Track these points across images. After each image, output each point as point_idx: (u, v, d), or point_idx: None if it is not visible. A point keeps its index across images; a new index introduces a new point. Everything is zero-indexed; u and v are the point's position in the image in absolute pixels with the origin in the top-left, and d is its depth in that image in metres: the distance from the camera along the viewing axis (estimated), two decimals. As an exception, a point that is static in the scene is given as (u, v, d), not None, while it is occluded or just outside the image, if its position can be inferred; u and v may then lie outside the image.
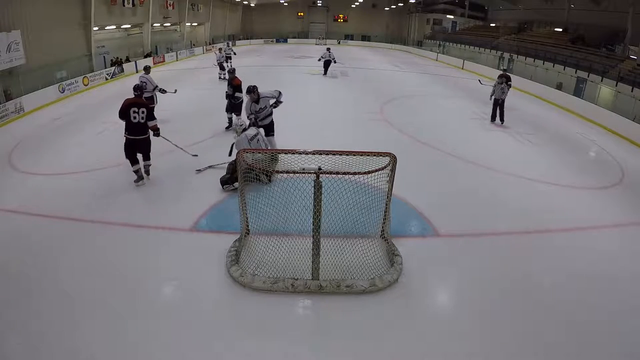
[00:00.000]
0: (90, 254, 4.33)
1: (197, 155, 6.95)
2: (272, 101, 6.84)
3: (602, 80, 14.19)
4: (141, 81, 8.44)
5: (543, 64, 18.22)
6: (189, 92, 13.69)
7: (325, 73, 17.54)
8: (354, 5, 40.11)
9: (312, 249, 3.76)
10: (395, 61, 25.62)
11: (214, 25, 32.27)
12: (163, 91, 9.31)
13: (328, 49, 18.11)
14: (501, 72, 11.24)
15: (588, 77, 14.84)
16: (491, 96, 10.33)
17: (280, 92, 6.92)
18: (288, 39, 39.50)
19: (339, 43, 37.09)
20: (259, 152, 4.96)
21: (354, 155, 4.09)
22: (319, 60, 17.64)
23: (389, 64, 24.16)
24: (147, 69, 9.39)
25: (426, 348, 3.23)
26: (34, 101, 11.41)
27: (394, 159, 3.78)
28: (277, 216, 4.19)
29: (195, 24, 29.38)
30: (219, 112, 10.75)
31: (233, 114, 8.89)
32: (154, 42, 22.16)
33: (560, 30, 24.36)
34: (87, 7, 15.60)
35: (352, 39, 39.87)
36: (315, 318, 3.59)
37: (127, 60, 19.24)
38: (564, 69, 16.69)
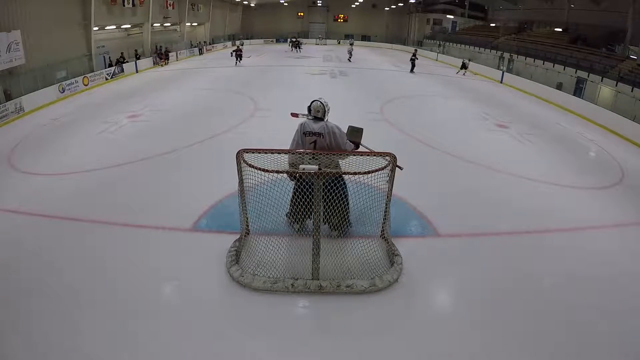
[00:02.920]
0: (90, 253, 4.32)
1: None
2: None
3: (602, 80, 14.19)
4: None
5: (543, 64, 18.22)
6: (189, 92, 13.70)
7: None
8: (354, 5, 40.07)
9: (312, 249, 3.75)
10: (395, 61, 25.60)
11: (214, 25, 32.26)
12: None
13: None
14: None
15: (588, 77, 14.84)
16: None
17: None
18: (288, 39, 39.45)
19: (351, 44, 36.32)
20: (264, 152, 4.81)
21: (354, 155, 4.09)
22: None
23: (389, 63, 24.15)
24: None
25: (426, 348, 3.23)
26: (34, 101, 11.42)
27: (394, 159, 3.77)
28: (277, 216, 4.19)
29: (195, 24, 29.37)
30: (220, 112, 10.78)
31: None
32: (153, 42, 22.16)
33: (560, 30, 24.35)
34: (87, 7, 15.60)
35: (352, 39, 39.79)
36: (315, 318, 3.59)
37: (137, 57, 19.50)
38: (564, 69, 16.69)
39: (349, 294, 3.73)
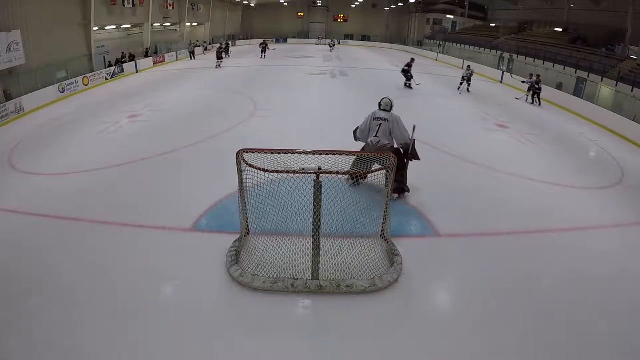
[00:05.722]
0: (90, 253, 4.32)
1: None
2: None
3: (602, 80, 14.20)
4: None
5: (543, 64, 18.23)
6: (189, 92, 13.70)
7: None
8: (354, 5, 40.11)
9: (312, 249, 3.75)
10: (395, 61, 25.54)
11: (214, 25, 32.26)
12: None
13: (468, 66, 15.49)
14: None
15: (588, 77, 14.85)
16: None
17: None
18: (288, 39, 39.51)
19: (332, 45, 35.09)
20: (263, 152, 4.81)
21: (354, 155, 4.10)
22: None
23: (389, 63, 24.12)
24: None
25: (426, 348, 3.23)
26: (34, 101, 11.42)
27: (394, 159, 3.78)
28: (277, 216, 4.19)
29: (195, 24, 29.38)
30: (219, 112, 10.78)
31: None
32: (154, 42, 22.15)
33: (560, 30, 24.37)
34: (87, 7, 15.61)
35: (352, 39, 39.88)
36: (315, 318, 3.59)
37: (146, 54, 19.50)
38: (564, 69, 16.70)
39: (349, 294, 3.73)
